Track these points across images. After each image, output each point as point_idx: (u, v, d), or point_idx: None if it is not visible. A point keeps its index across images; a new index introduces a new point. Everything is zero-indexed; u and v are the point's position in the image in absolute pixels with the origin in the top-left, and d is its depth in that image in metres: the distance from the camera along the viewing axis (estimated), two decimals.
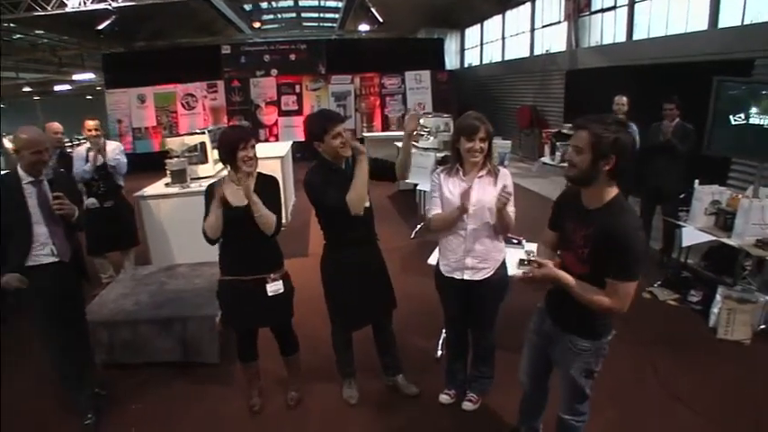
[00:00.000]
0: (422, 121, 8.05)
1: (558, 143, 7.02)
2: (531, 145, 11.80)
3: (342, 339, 3.04)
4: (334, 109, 10.71)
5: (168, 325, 3.51)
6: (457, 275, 2.69)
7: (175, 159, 5.20)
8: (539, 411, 2.58)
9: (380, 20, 13.63)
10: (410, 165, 2.85)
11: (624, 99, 5.31)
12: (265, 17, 21.09)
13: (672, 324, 4.00)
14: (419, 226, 6.40)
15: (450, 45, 17.66)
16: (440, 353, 3.56)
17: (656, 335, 3.77)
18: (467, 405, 3.00)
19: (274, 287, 2.75)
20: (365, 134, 11.64)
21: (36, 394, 3.29)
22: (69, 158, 4.71)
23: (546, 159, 7.52)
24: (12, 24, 12.74)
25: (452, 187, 2.62)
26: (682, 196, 4.56)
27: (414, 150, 6.80)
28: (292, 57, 13.49)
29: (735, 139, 4.12)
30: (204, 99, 13.15)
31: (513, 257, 3.40)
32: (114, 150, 4.76)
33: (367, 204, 2.71)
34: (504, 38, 14.58)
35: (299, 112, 13.04)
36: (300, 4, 21.05)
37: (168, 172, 5.18)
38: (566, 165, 2.03)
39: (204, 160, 5.53)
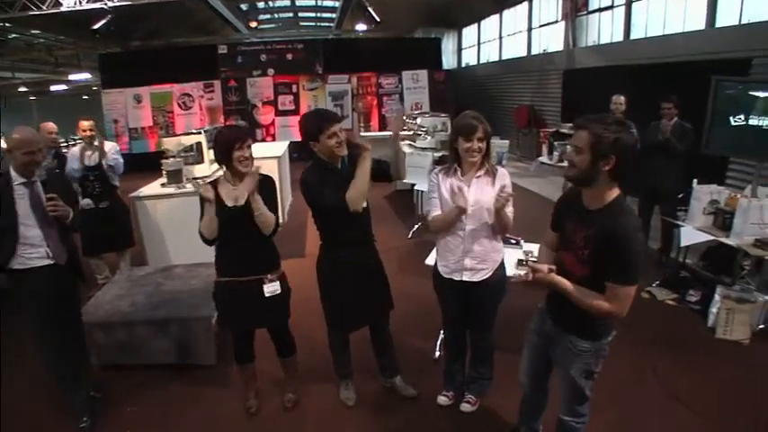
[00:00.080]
0: (419, 120, 8.08)
1: (555, 143, 7.03)
2: (529, 144, 11.81)
3: (339, 340, 3.02)
4: (332, 109, 10.68)
5: (164, 326, 3.48)
6: (455, 276, 2.67)
7: (171, 159, 5.18)
8: (539, 412, 2.57)
9: (377, 19, 13.59)
10: (403, 164, 2.83)
11: (622, 98, 5.30)
12: (262, 17, 21.07)
13: (670, 324, 3.99)
14: (416, 226, 6.39)
15: (448, 45, 17.67)
16: (438, 354, 3.54)
17: (655, 335, 3.76)
18: (465, 407, 2.98)
19: (271, 288, 2.73)
20: (362, 134, 11.61)
21: (31, 396, 3.26)
22: (64, 159, 4.68)
23: (544, 159, 7.52)
24: (7, 24, 12.68)
25: (451, 187, 2.60)
26: (680, 196, 4.55)
27: (411, 150, 6.89)
28: (289, 56, 13.46)
29: (734, 138, 4.12)
30: (201, 99, 13.11)
31: (512, 258, 3.39)
32: (111, 150, 4.73)
33: (364, 204, 2.69)
34: (501, 37, 14.58)
35: (295, 112, 13.01)
36: (297, 3, 21.00)
37: (164, 172, 5.16)
38: (564, 164, 2.02)
39: (200, 160, 5.51)
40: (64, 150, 5.21)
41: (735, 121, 4.05)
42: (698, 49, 6.95)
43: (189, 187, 4.96)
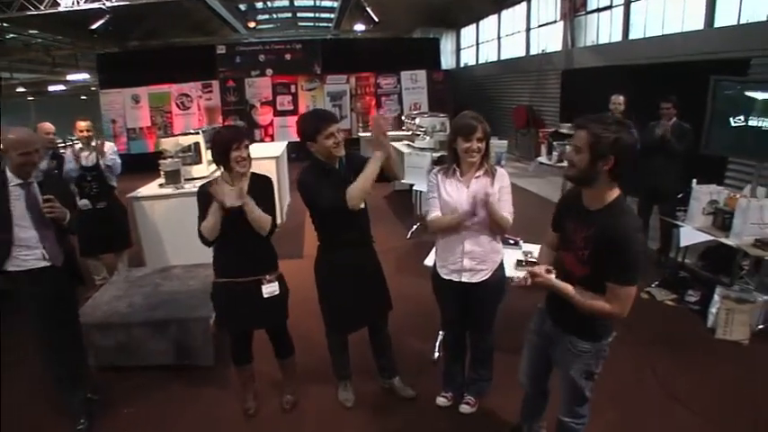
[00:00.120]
0: (417, 120, 8.07)
1: (555, 143, 7.01)
2: (528, 145, 11.80)
3: (337, 342, 3.01)
4: (330, 109, 10.67)
5: (162, 327, 3.47)
6: (455, 278, 2.66)
7: (169, 160, 5.16)
8: (539, 413, 2.56)
9: (376, 19, 13.58)
10: (396, 165, 2.81)
11: (621, 98, 5.30)
12: (260, 17, 21.08)
13: (670, 324, 3.99)
14: (415, 226, 6.37)
15: (446, 45, 17.65)
16: (437, 355, 3.52)
17: (655, 335, 3.75)
18: (464, 408, 2.97)
19: (270, 289, 2.72)
20: (360, 134, 11.60)
21: (28, 398, 3.24)
22: (62, 159, 4.65)
23: (543, 159, 7.50)
24: (5, 24, 12.65)
25: (450, 188, 2.59)
26: (679, 196, 4.55)
27: (410, 150, 6.88)
28: (288, 56, 13.43)
29: (733, 139, 4.12)
30: (199, 99, 13.07)
31: (511, 258, 3.38)
32: (109, 151, 4.71)
33: (362, 205, 2.68)
34: (499, 37, 14.58)
35: (294, 113, 12.97)
36: (296, 3, 21.01)
37: (162, 173, 5.14)
38: (563, 164, 2.02)
39: (198, 161, 5.49)
40: (62, 151, 5.18)
41: (735, 122, 4.05)
42: (696, 49, 6.94)
43: (187, 188, 4.94)
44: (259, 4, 19.72)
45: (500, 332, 2.90)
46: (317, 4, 20.91)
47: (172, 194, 4.95)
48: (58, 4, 10.56)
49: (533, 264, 2.52)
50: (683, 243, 4.29)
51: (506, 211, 2.55)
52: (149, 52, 15.48)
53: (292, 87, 13.34)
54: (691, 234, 4.15)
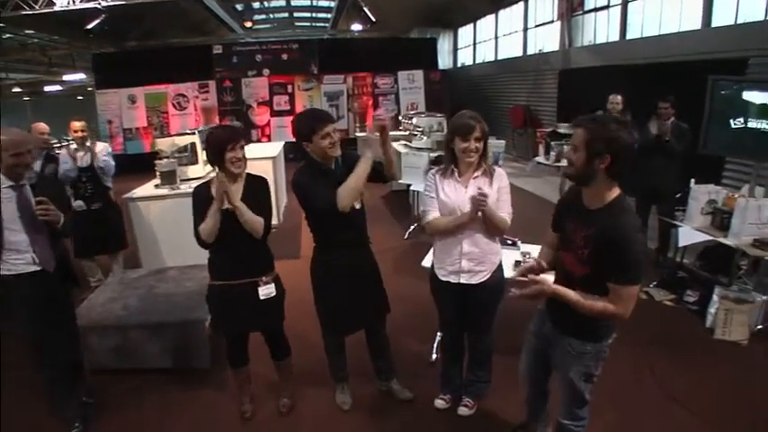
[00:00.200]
0: (414, 120, 8.05)
1: (552, 143, 7.00)
2: (525, 145, 11.79)
3: (334, 344, 2.98)
4: (327, 109, 10.65)
5: (158, 329, 3.44)
6: (453, 279, 2.64)
7: (165, 160, 5.13)
8: (540, 414, 2.55)
9: (373, 19, 13.56)
10: (394, 165, 2.78)
11: (619, 98, 5.30)
12: (257, 17, 20.97)
13: (668, 325, 3.97)
14: (412, 227, 6.35)
15: (443, 45, 17.64)
16: (434, 356, 3.50)
17: (653, 336, 3.74)
18: (462, 410, 2.94)
19: (266, 290, 2.69)
20: (358, 134, 11.58)
21: (21, 402, 3.20)
22: (56, 160, 4.62)
23: (540, 159, 7.49)
24: (0, 24, 12.57)
25: (448, 189, 2.57)
26: (678, 196, 4.53)
27: (407, 150, 6.85)
28: (284, 56, 13.40)
29: (732, 139, 4.12)
30: (196, 99, 13.03)
31: (509, 259, 3.35)
32: (102, 152, 4.67)
33: (358, 206, 2.65)
34: (497, 37, 14.57)
35: (291, 113, 12.93)
36: (292, 3, 20.93)
37: (158, 173, 5.11)
38: (561, 164, 2.01)
39: (194, 161, 5.46)
40: (57, 152, 5.15)
41: (735, 124, 4.05)
42: (694, 49, 6.94)
43: (183, 188, 4.92)
44: (256, 4, 19.62)
45: (499, 333, 2.88)
46: (314, 3, 20.83)
47: (167, 195, 4.92)
48: (54, 4, 10.50)
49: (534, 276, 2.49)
50: (681, 243, 4.28)
51: (505, 211, 2.53)
52: (146, 52, 15.41)
53: (289, 87, 13.31)
54: (689, 234, 4.14)
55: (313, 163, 2.62)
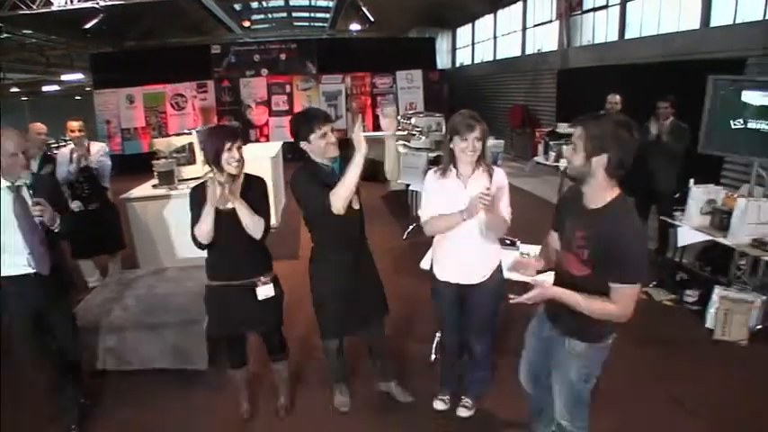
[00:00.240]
0: (413, 120, 8.03)
1: (551, 142, 6.98)
2: (523, 144, 11.79)
3: (332, 345, 2.96)
4: (326, 109, 10.63)
5: (156, 330, 3.41)
6: (452, 280, 2.63)
7: (163, 160, 5.12)
8: (541, 415, 2.53)
9: (371, 19, 13.56)
10: (394, 165, 2.76)
11: (617, 98, 5.29)
12: (255, 17, 20.95)
13: (668, 325, 3.97)
14: (411, 227, 6.34)
15: (442, 44, 17.64)
16: (434, 357, 3.49)
17: (653, 336, 3.72)
18: (462, 411, 2.93)
19: (265, 291, 2.67)
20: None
21: (20, 403, 3.18)
22: (53, 160, 4.59)
23: (539, 159, 7.47)
24: None
25: (447, 189, 2.55)
26: (677, 196, 4.52)
27: (406, 150, 6.84)
28: (283, 56, 13.40)
29: (732, 139, 4.11)
30: (194, 99, 13.02)
31: (508, 259, 3.33)
32: (98, 152, 4.65)
33: (357, 206, 2.64)
34: (495, 37, 14.57)
35: (289, 113, 12.91)
36: (291, 3, 20.91)
37: (155, 173, 5.09)
38: (560, 164, 2.00)
39: (192, 161, 5.45)
40: (55, 152, 5.13)
41: (735, 125, 4.05)
42: (693, 48, 6.94)
43: (181, 188, 4.90)
44: (254, 4, 19.60)
45: (499, 333, 2.88)
46: (313, 3, 20.83)
47: (165, 195, 4.91)
48: (51, 4, 10.46)
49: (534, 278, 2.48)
50: (680, 243, 4.28)
51: (504, 211, 2.52)
52: (144, 52, 15.38)
53: (287, 87, 13.32)
54: (688, 234, 4.14)
55: (311, 163, 2.60)
